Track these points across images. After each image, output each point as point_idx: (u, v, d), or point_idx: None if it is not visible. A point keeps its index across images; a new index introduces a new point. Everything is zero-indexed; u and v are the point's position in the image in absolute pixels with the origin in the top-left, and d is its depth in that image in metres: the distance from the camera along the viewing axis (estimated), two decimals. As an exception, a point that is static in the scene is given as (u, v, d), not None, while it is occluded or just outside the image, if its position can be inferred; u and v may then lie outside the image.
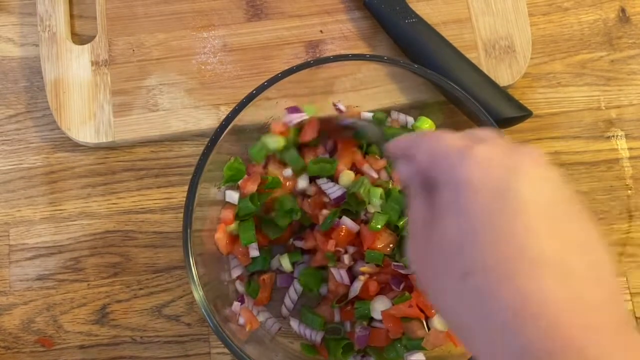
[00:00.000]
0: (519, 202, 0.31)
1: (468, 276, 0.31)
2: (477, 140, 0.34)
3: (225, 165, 0.56)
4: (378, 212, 0.54)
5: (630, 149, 0.63)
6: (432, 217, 0.34)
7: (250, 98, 0.53)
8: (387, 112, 0.59)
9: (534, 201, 0.31)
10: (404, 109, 0.60)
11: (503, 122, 0.59)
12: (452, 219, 0.32)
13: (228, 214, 0.56)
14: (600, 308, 0.29)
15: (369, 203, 0.54)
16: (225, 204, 0.57)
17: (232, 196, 0.56)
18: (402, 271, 0.53)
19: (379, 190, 0.54)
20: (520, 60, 0.63)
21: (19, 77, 0.65)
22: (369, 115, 0.59)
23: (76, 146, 0.63)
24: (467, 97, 0.53)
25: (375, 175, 0.56)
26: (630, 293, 0.60)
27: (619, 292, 0.31)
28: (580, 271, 0.29)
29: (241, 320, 0.54)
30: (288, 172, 0.56)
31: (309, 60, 0.56)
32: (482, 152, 0.33)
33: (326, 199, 0.56)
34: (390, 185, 0.56)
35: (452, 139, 0.35)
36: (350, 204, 0.55)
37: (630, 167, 0.63)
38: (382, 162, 0.57)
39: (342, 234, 0.53)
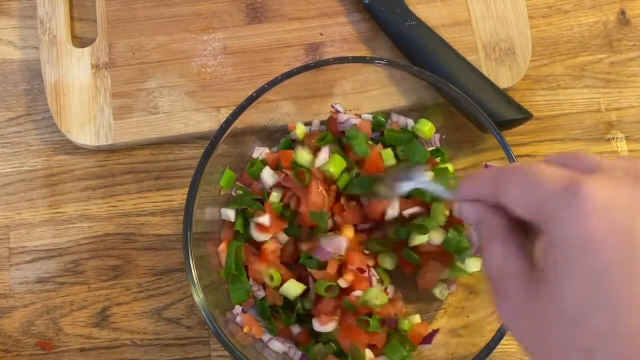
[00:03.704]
0: None
1: (594, 354, 0.25)
2: (584, 169, 0.28)
3: (224, 169, 0.56)
4: None
5: (630, 151, 0.63)
6: (536, 274, 0.28)
7: (250, 100, 0.53)
8: (387, 114, 0.59)
9: None
10: (404, 111, 0.60)
11: (503, 125, 0.59)
12: (568, 280, 0.26)
13: (228, 233, 0.56)
14: None
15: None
16: (224, 220, 0.57)
17: (228, 214, 0.56)
18: None
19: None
20: (520, 63, 0.63)
21: (19, 79, 0.65)
22: (369, 116, 0.59)
23: (76, 149, 0.63)
24: (467, 100, 0.53)
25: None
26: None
27: None
28: None
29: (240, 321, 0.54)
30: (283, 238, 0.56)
31: (309, 62, 0.56)
32: (598, 193, 0.26)
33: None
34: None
35: (551, 175, 0.28)
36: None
37: (631, 169, 0.63)
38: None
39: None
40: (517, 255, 0.29)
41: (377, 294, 0.52)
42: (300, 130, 0.58)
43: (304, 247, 0.54)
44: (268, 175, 0.56)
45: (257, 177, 0.56)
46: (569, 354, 0.26)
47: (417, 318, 0.56)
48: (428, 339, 0.54)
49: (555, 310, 0.27)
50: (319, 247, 0.53)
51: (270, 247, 0.54)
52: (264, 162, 0.57)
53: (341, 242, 0.52)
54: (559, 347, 0.26)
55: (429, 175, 0.46)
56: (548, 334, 0.27)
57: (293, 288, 0.53)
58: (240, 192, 0.57)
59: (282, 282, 0.54)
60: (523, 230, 0.30)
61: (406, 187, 0.47)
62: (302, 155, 0.55)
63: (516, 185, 0.29)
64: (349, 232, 0.54)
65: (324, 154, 0.55)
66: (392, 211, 0.54)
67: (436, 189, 0.43)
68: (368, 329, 0.52)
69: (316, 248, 0.53)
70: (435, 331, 0.55)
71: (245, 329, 0.53)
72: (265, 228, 0.54)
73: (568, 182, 0.27)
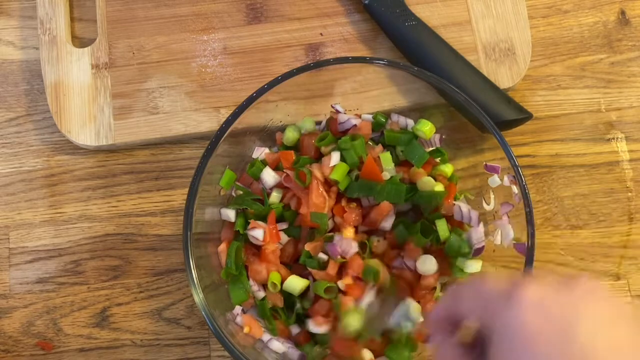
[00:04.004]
0: (582, 346, 0.27)
1: None
2: (519, 281, 0.31)
3: (224, 170, 0.56)
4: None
5: (630, 151, 0.63)
6: None
7: (250, 101, 0.53)
8: (387, 114, 0.59)
9: (599, 343, 0.28)
10: (404, 112, 0.60)
11: (503, 125, 0.59)
12: None
13: (228, 233, 0.56)
14: None
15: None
16: (224, 221, 0.57)
17: (228, 215, 0.56)
18: None
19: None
20: (520, 63, 0.63)
21: (19, 80, 0.65)
22: (369, 116, 0.59)
23: (76, 149, 0.63)
24: (467, 100, 0.53)
25: None
26: (631, 295, 0.60)
27: None
28: None
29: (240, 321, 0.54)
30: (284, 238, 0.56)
31: (309, 63, 0.56)
32: (532, 293, 0.30)
33: None
34: None
35: (492, 284, 0.32)
36: None
37: (631, 169, 0.63)
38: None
39: None
40: None
41: (354, 317, 0.52)
42: (291, 134, 0.58)
43: (306, 247, 0.54)
44: (268, 176, 0.56)
45: (257, 178, 0.56)
46: None
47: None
48: None
49: None
50: (332, 243, 0.53)
51: (270, 247, 0.54)
52: (264, 163, 0.57)
53: (350, 246, 0.53)
54: None
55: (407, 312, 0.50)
56: None
57: (296, 283, 0.53)
58: (241, 192, 0.57)
59: (283, 280, 0.54)
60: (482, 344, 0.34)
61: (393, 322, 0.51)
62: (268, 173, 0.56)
63: (467, 296, 0.34)
64: (349, 233, 0.54)
65: (335, 159, 0.55)
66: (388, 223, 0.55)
67: (406, 325, 0.48)
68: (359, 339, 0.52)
69: (319, 248, 0.54)
70: None
71: (246, 329, 0.53)
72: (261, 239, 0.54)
73: (506, 287, 0.31)
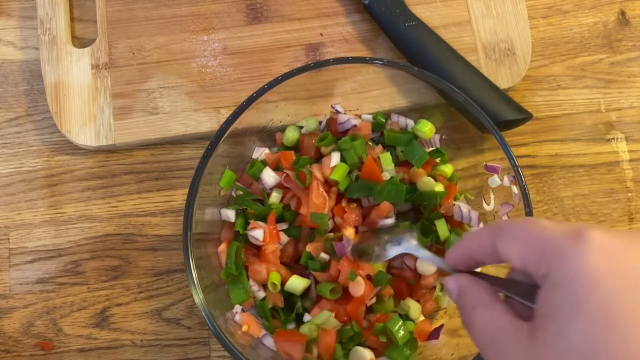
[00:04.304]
0: None
1: None
2: (584, 225, 0.29)
3: (224, 170, 0.56)
4: None
5: (630, 151, 0.63)
6: (533, 325, 0.29)
7: (250, 101, 0.53)
8: (387, 114, 0.59)
9: None
10: (404, 112, 0.60)
11: (503, 125, 0.59)
12: (576, 322, 0.26)
13: (228, 234, 0.56)
14: None
15: None
16: (224, 221, 0.57)
17: (228, 215, 0.56)
18: None
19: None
20: (520, 63, 0.63)
21: (19, 80, 0.65)
22: (369, 117, 0.59)
23: (76, 149, 0.63)
24: (467, 100, 0.53)
25: None
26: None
27: None
28: None
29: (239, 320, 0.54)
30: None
31: (309, 63, 0.56)
32: (601, 237, 0.28)
33: None
34: None
35: (552, 224, 0.29)
36: None
37: (631, 169, 0.63)
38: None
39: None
40: (507, 313, 0.30)
41: (326, 318, 0.52)
42: (291, 134, 0.58)
43: (307, 248, 0.54)
44: (268, 176, 0.56)
45: (257, 178, 0.56)
46: None
47: (420, 317, 0.56)
48: (434, 334, 0.55)
49: (563, 350, 0.27)
50: (339, 242, 0.53)
51: (270, 247, 0.54)
52: (264, 163, 0.57)
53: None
54: None
55: (417, 241, 0.47)
56: None
57: (298, 283, 0.53)
58: (241, 192, 0.57)
59: (284, 281, 0.54)
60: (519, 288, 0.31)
61: (395, 251, 0.48)
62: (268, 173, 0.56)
63: (518, 235, 0.30)
64: (349, 233, 0.54)
65: (335, 159, 0.54)
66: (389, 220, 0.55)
67: (424, 255, 0.44)
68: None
69: (320, 249, 0.54)
70: (441, 326, 0.55)
71: (244, 328, 0.53)
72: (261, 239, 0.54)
73: (571, 229, 0.28)
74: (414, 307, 0.54)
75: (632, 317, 0.26)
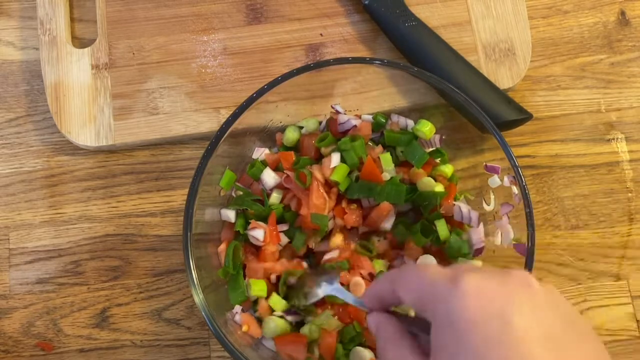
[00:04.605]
0: (519, 333, 0.30)
1: None
2: (461, 270, 0.33)
3: (225, 169, 0.56)
4: None
5: (630, 151, 0.63)
6: None
7: (250, 101, 0.53)
8: (387, 115, 0.59)
9: (534, 331, 0.30)
10: (404, 112, 0.60)
11: (503, 125, 0.59)
12: (454, 358, 0.31)
13: (228, 234, 0.56)
14: None
15: None
16: (224, 221, 0.57)
17: (228, 215, 0.56)
18: None
19: None
20: (520, 63, 0.63)
21: (19, 80, 0.65)
22: (369, 117, 0.59)
23: (76, 149, 0.63)
24: (467, 100, 0.53)
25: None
26: (631, 296, 0.60)
27: None
28: None
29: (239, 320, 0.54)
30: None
31: (309, 63, 0.56)
32: (473, 281, 0.32)
33: None
34: None
35: (436, 271, 0.34)
36: None
37: (631, 169, 0.63)
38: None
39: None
40: (411, 352, 0.34)
41: (327, 319, 0.52)
42: (291, 135, 0.58)
43: (314, 246, 0.55)
44: (269, 176, 0.56)
45: (257, 178, 0.56)
46: None
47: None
48: None
49: None
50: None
51: (270, 248, 0.54)
52: (264, 163, 0.57)
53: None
54: None
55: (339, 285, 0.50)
56: None
57: (278, 303, 0.53)
58: (241, 192, 0.57)
59: (269, 292, 0.54)
60: (413, 334, 0.35)
61: (322, 291, 0.50)
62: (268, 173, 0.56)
63: (409, 279, 0.35)
64: (337, 240, 0.54)
65: (335, 160, 0.54)
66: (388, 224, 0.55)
67: (345, 296, 0.47)
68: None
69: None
70: None
71: (244, 328, 0.53)
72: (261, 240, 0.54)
73: (450, 274, 0.33)
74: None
75: (498, 357, 0.29)
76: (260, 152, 0.58)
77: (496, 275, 0.32)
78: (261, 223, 0.54)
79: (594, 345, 0.32)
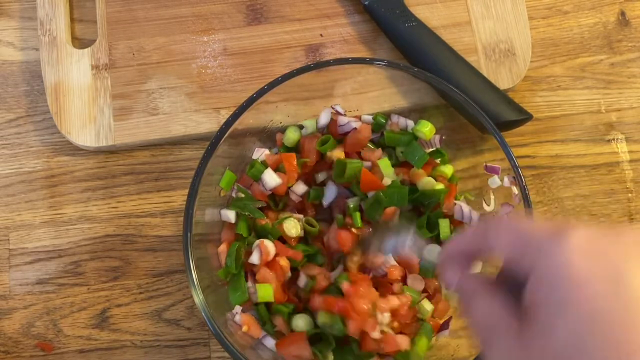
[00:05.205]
0: (635, 294, 0.27)
1: None
2: (568, 224, 0.30)
3: (225, 170, 0.56)
4: None
5: (630, 152, 0.63)
6: (520, 321, 0.29)
7: (250, 102, 0.53)
8: (387, 115, 0.59)
9: None
10: (404, 113, 0.60)
11: (503, 126, 0.59)
12: (558, 320, 0.27)
13: (228, 234, 0.56)
14: None
15: None
16: (224, 222, 0.56)
17: (228, 216, 0.56)
18: None
19: None
20: (520, 64, 0.63)
21: (19, 81, 0.65)
22: (369, 117, 0.59)
23: (76, 150, 0.63)
24: (467, 101, 0.53)
25: None
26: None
27: None
28: None
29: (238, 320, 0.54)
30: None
31: (309, 63, 0.56)
32: (582, 237, 0.28)
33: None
34: None
35: (537, 224, 0.31)
36: None
37: (631, 170, 0.63)
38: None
39: None
40: (500, 306, 0.31)
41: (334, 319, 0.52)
42: (292, 134, 0.58)
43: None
44: (270, 177, 0.55)
45: (258, 179, 0.56)
46: None
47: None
48: (445, 324, 0.55)
49: (548, 349, 0.28)
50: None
51: (283, 262, 0.54)
52: (265, 164, 0.57)
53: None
54: None
55: (415, 237, 0.49)
56: None
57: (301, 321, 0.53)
58: (242, 194, 0.56)
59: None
60: (499, 288, 0.32)
61: (394, 247, 0.50)
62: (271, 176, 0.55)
63: (506, 232, 0.32)
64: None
65: (330, 194, 0.55)
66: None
67: (421, 252, 0.46)
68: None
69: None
70: (450, 318, 0.55)
71: (244, 328, 0.53)
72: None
73: (555, 226, 0.29)
74: (428, 308, 0.55)
75: (609, 321, 0.26)
76: (261, 153, 0.58)
77: (607, 232, 0.29)
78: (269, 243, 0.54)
79: None
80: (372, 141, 0.58)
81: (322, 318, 0.51)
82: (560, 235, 0.29)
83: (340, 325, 0.51)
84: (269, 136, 0.59)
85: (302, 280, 0.54)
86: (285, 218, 0.55)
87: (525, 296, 0.29)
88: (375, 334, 0.50)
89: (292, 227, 0.54)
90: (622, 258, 0.27)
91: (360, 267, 0.55)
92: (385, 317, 0.51)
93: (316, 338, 0.54)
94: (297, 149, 0.58)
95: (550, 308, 0.28)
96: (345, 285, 0.51)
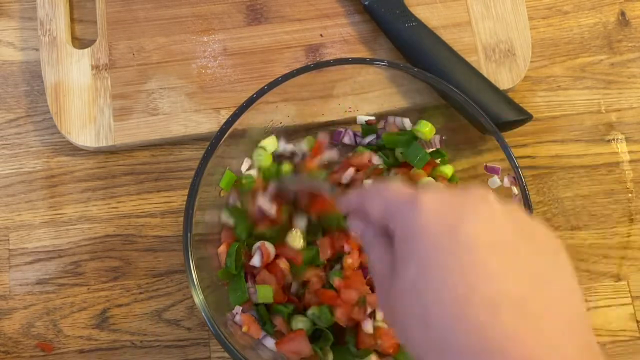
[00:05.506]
0: (468, 241, 0.30)
1: (429, 326, 0.30)
2: (421, 188, 0.35)
3: (224, 170, 0.56)
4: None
5: (630, 152, 0.63)
6: (392, 267, 0.34)
7: (250, 102, 0.53)
8: (384, 117, 0.59)
9: (484, 238, 0.31)
10: (404, 113, 0.60)
11: (503, 126, 0.59)
12: (408, 266, 0.32)
13: (228, 235, 0.56)
14: (562, 338, 0.29)
15: None
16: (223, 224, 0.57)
17: (227, 218, 0.56)
18: None
19: None
20: (520, 64, 0.63)
21: (19, 81, 0.65)
22: (364, 118, 0.59)
23: (76, 150, 0.63)
24: (467, 101, 0.53)
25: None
26: (631, 296, 0.60)
27: (584, 318, 0.30)
28: (537, 302, 0.29)
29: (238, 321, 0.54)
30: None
31: (309, 64, 0.56)
32: (431, 197, 0.33)
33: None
34: None
35: (400, 189, 0.36)
36: None
37: (631, 170, 0.63)
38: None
39: None
40: (384, 257, 0.36)
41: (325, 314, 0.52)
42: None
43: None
44: (264, 204, 0.55)
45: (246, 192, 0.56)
46: (411, 320, 0.32)
47: None
48: None
49: (400, 293, 0.33)
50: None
51: (283, 265, 0.54)
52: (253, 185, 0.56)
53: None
54: (403, 316, 0.33)
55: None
56: (395, 308, 0.33)
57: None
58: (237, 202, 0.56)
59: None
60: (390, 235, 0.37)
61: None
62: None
63: (373, 197, 0.37)
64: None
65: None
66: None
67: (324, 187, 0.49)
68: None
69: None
70: None
71: (244, 328, 0.53)
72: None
73: (410, 192, 0.35)
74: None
75: (443, 266, 0.31)
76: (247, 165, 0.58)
77: (454, 193, 0.34)
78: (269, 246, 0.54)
79: (549, 256, 0.32)
80: (369, 144, 0.59)
81: (311, 309, 0.53)
82: (413, 199, 0.33)
83: (328, 313, 0.52)
84: (268, 136, 0.59)
85: (294, 287, 0.55)
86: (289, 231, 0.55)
87: (394, 249, 0.34)
88: (368, 327, 0.52)
89: (296, 239, 0.55)
90: (461, 211, 0.32)
91: (359, 266, 0.55)
92: (379, 312, 0.52)
93: (316, 337, 0.54)
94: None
95: (404, 258, 0.33)
96: (336, 281, 0.53)
